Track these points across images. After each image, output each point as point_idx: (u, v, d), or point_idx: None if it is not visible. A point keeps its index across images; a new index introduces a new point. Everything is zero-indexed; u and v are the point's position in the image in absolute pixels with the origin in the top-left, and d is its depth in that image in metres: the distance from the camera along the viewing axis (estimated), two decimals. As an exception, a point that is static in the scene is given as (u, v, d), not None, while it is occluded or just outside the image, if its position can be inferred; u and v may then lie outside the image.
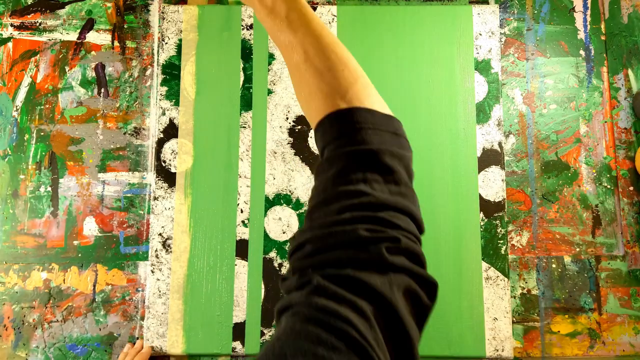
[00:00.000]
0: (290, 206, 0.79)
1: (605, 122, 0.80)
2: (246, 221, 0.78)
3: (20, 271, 0.78)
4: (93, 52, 0.84)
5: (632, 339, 0.75)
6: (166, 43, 0.83)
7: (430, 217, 0.77)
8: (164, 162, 0.80)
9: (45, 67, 0.83)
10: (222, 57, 0.82)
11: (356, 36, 0.82)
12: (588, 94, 0.81)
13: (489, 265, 0.76)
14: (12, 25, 0.85)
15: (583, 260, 0.77)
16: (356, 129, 0.32)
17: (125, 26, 0.84)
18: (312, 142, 0.80)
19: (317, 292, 0.27)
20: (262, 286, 0.77)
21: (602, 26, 0.83)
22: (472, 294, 0.75)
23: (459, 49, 0.81)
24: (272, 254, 0.78)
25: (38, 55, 0.83)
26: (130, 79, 0.83)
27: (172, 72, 0.82)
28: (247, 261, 0.77)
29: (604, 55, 0.82)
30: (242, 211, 0.79)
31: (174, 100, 0.81)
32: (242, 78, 0.82)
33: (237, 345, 0.75)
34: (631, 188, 0.78)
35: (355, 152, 0.32)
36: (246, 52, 0.82)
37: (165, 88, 0.82)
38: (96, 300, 0.77)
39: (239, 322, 0.76)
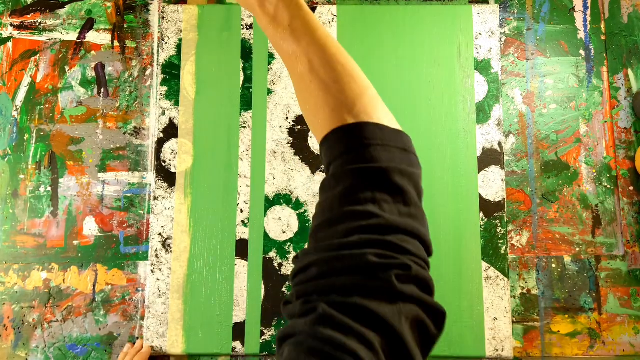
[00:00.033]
0: (290, 206, 0.79)
1: (605, 122, 0.80)
2: (246, 221, 0.78)
3: (20, 271, 0.78)
4: (93, 52, 0.84)
5: (632, 338, 0.75)
6: (166, 43, 0.83)
7: (430, 217, 0.76)
8: (164, 162, 0.80)
9: (45, 67, 0.83)
10: (222, 57, 0.82)
11: (356, 36, 0.82)
12: (588, 93, 0.81)
13: (489, 265, 0.76)
14: (12, 25, 0.85)
15: (583, 260, 0.77)
16: (364, 145, 0.31)
17: (125, 26, 0.84)
18: (312, 142, 0.80)
19: (322, 322, 0.25)
20: (262, 286, 0.77)
21: (602, 26, 0.83)
22: (472, 294, 0.75)
23: (459, 48, 0.81)
24: (272, 254, 0.78)
25: (38, 55, 0.83)
26: (130, 79, 0.83)
27: (172, 72, 0.82)
28: (247, 261, 0.77)
29: (604, 55, 0.82)
30: (242, 211, 0.79)
31: (173, 100, 0.81)
32: (242, 78, 0.82)
33: (237, 345, 0.75)
34: (631, 188, 0.78)
35: (363, 170, 0.30)
36: (246, 52, 0.82)
37: (165, 88, 0.82)
38: (96, 300, 0.77)
39: (238, 322, 0.76)
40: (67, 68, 0.83)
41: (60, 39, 0.84)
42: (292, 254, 0.77)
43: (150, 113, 0.82)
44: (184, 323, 0.76)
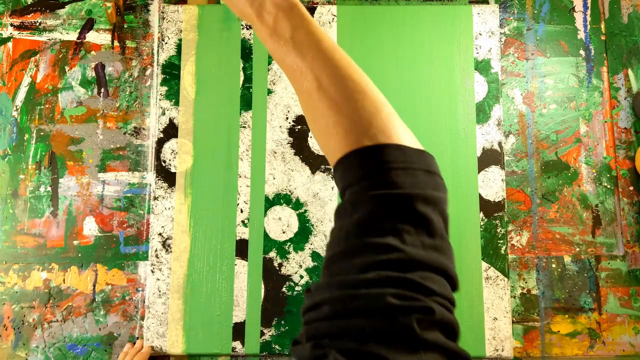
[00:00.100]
0: (290, 206, 0.79)
1: (605, 122, 0.80)
2: (246, 221, 0.78)
3: (20, 271, 0.78)
4: (93, 52, 0.84)
5: (632, 338, 0.75)
6: (166, 43, 0.83)
7: (430, 217, 0.77)
8: (164, 162, 0.80)
9: (45, 67, 0.83)
10: (222, 57, 0.82)
11: (356, 36, 0.82)
12: (588, 93, 0.81)
13: (489, 265, 0.76)
14: (12, 25, 0.85)
15: (583, 260, 0.77)
16: (385, 169, 0.28)
17: (125, 26, 0.84)
18: (312, 142, 0.80)
19: None
20: (262, 286, 0.77)
21: (602, 26, 0.83)
22: (472, 294, 0.75)
23: (459, 48, 0.81)
24: (272, 254, 0.78)
25: (38, 55, 0.83)
26: (130, 79, 0.83)
27: (172, 72, 0.82)
28: (247, 261, 0.77)
29: (604, 55, 0.82)
30: (242, 211, 0.79)
31: (173, 100, 0.81)
32: (242, 78, 0.82)
33: (237, 345, 0.75)
34: (631, 188, 0.78)
35: (384, 197, 0.27)
36: (246, 52, 0.82)
37: (165, 88, 0.82)
38: (96, 300, 0.77)
39: (238, 321, 0.76)
40: (67, 68, 0.83)
41: (60, 39, 0.84)
42: (292, 254, 0.77)
43: (150, 113, 0.82)
44: (184, 323, 0.76)
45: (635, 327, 0.75)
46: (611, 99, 0.81)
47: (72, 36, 0.84)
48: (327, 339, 0.24)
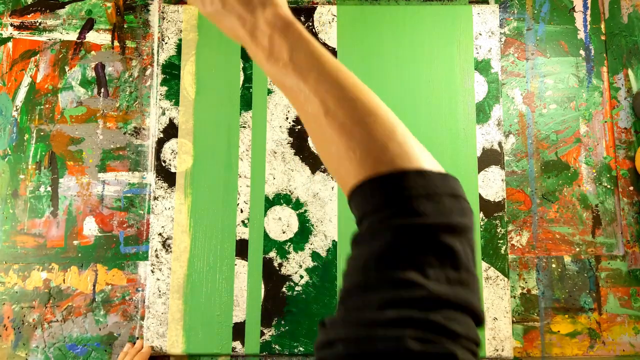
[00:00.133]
0: (290, 206, 0.79)
1: (605, 122, 0.80)
2: (246, 221, 0.78)
3: (20, 271, 0.78)
4: (93, 52, 0.84)
5: (632, 338, 0.75)
6: (166, 43, 0.83)
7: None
8: (164, 162, 0.80)
9: (45, 67, 0.83)
10: (222, 57, 0.82)
11: (356, 36, 0.82)
12: (588, 93, 0.81)
13: (489, 265, 0.76)
14: (12, 25, 0.85)
15: (583, 260, 0.77)
16: (405, 197, 0.26)
17: (125, 26, 0.84)
18: (312, 142, 0.80)
19: None
20: (262, 286, 0.77)
21: (602, 26, 0.83)
22: (472, 294, 0.75)
23: (459, 48, 0.81)
24: (272, 254, 0.78)
25: (38, 55, 0.83)
26: (130, 79, 0.83)
27: (172, 72, 0.82)
28: (247, 261, 0.77)
29: (604, 55, 0.82)
30: (242, 211, 0.79)
31: (173, 100, 0.81)
32: (242, 78, 0.82)
33: (237, 345, 0.75)
34: (631, 188, 0.78)
35: (406, 227, 0.25)
36: (246, 52, 0.82)
37: (165, 88, 0.82)
38: (96, 300, 0.77)
39: (238, 321, 0.76)
40: (67, 68, 0.83)
41: (60, 39, 0.84)
42: (292, 254, 0.77)
43: (150, 113, 0.82)
44: (184, 323, 0.76)
45: (635, 327, 0.75)
46: (611, 99, 0.81)
47: (72, 36, 0.84)
48: None
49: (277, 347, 0.75)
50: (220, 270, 0.77)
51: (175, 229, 0.78)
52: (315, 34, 0.82)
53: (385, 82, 0.80)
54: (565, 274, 0.77)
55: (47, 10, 0.85)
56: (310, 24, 0.83)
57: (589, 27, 0.83)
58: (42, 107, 0.82)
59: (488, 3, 0.84)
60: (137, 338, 0.76)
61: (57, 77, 0.83)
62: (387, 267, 0.25)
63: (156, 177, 0.80)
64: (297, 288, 0.77)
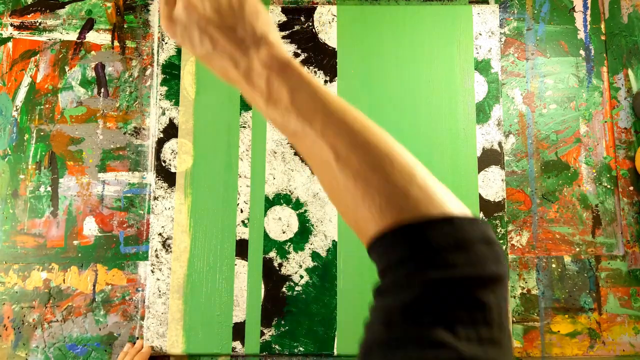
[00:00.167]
0: (290, 206, 0.79)
1: (605, 122, 0.80)
2: (246, 221, 0.78)
3: (20, 271, 0.78)
4: (93, 52, 0.84)
5: (632, 338, 0.75)
6: (166, 43, 0.83)
7: (430, 217, 0.77)
8: (164, 162, 0.80)
9: (45, 67, 0.83)
10: (222, 57, 0.82)
11: (356, 36, 0.82)
12: (588, 93, 0.81)
13: (489, 265, 0.76)
14: (12, 25, 0.85)
15: (583, 260, 0.77)
16: (433, 248, 0.24)
17: (125, 26, 0.84)
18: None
19: None
20: (262, 286, 0.77)
21: (602, 26, 0.83)
22: (472, 294, 0.75)
23: (459, 48, 0.81)
24: (272, 254, 0.78)
25: (38, 55, 0.83)
26: (130, 79, 0.83)
27: (172, 72, 0.82)
28: (247, 261, 0.77)
29: (604, 55, 0.82)
30: (242, 211, 0.79)
31: (173, 100, 0.81)
32: (242, 78, 0.82)
33: (237, 345, 0.75)
34: (631, 188, 0.78)
35: (435, 282, 0.23)
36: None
37: (165, 88, 0.82)
38: (96, 300, 0.77)
39: (238, 321, 0.76)
40: (67, 68, 0.83)
41: (60, 39, 0.84)
42: (292, 254, 0.77)
43: (150, 113, 0.82)
44: (184, 323, 0.76)
45: (635, 327, 0.75)
46: (611, 99, 0.81)
47: (72, 36, 0.84)
48: None
49: (277, 347, 0.75)
50: (220, 270, 0.77)
51: (175, 229, 0.78)
52: (315, 34, 0.82)
53: (385, 82, 0.80)
54: (565, 274, 0.77)
55: (47, 10, 0.85)
56: (310, 24, 0.83)
57: (589, 27, 0.83)
58: (42, 107, 0.82)
59: (488, 3, 0.84)
60: (137, 338, 0.76)
61: (57, 77, 0.83)
62: (413, 323, 0.23)
63: (156, 177, 0.80)
64: (297, 288, 0.77)
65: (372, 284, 0.26)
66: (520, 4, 0.84)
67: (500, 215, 0.78)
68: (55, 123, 0.82)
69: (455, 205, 0.26)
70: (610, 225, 0.78)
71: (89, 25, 0.84)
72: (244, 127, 0.81)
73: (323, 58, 0.82)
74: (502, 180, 0.78)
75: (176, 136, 0.80)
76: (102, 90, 0.83)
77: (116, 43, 0.84)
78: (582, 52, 0.82)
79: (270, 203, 0.79)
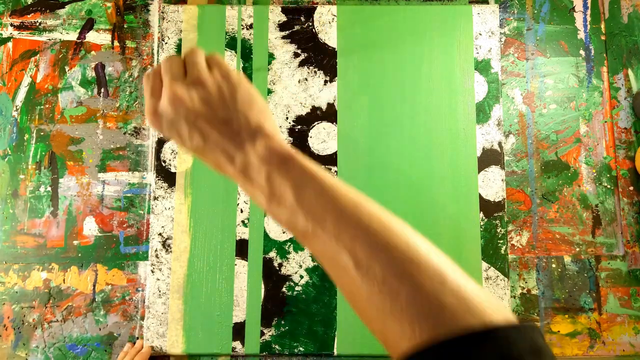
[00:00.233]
0: (290, 206, 0.79)
1: (605, 122, 0.80)
2: (246, 221, 0.78)
3: (20, 271, 0.78)
4: (93, 52, 0.84)
5: (632, 338, 0.75)
6: (166, 43, 0.83)
7: (430, 217, 0.77)
8: (164, 162, 0.80)
9: (45, 67, 0.83)
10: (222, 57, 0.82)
11: (356, 36, 0.82)
12: (588, 93, 0.81)
13: (489, 265, 0.76)
14: (12, 25, 0.85)
15: (583, 260, 0.77)
16: None
17: (125, 26, 0.84)
18: (312, 142, 0.80)
19: None
20: (262, 286, 0.77)
21: (602, 26, 0.83)
22: (472, 294, 0.75)
23: (459, 48, 0.81)
24: (272, 254, 0.78)
25: (38, 55, 0.83)
26: (130, 79, 0.83)
27: (172, 72, 0.82)
28: (247, 261, 0.77)
29: (604, 55, 0.82)
30: (242, 211, 0.79)
31: (174, 100, 0.81)
32: (242, 78, 0.82)
33: (237, 345, 0.75)
34: (631, 188, 0.78)
35: None
36: (246, 52, 0.82)
37: (165, 88, 0.82)
38: (96, 300, 0.77)
39: (238, 321, 0.76)
40: (67, 68, 0.83)
41: (60, 39, 0.84)
42: (292, 254, 0.77)
43: (150, 113, 0.82)
44: (184, 323, 0.76)
45: (635, 327, 0.75)
46: (611, 99, 0.81)
47: (72, 36, 0.84)
48: None
49: (277, 347, 0.75)
50: (220, 270, 0.77)
51: (175, 229, 0.78)
52: (315, 34, 0.82)
53: (385, 82, 0.80)
54: (565, 274, 0.77)
55: (47, 10, 0.85)
56: (310, 24, 0.83)
57: (589, 27, 0.83)
58: (42, 107, 0.82)
59: (488, 3, 0.84)
60: (137, 338, 0.76)
61: (57, 77, 0.83)
62: None
63: (156, 177, 0.80)
64: (297, 288, 0.77)
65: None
66: (520, 4, 0.84)
67: (500, 215, 0.78)
68: (55, 123, 0.82)
69: (495, 309, 0.23)
70: (610, 225, 0.78)
71: (89, 25, 0.84)
72: (244, 127, 0.81)
73: (323, 58, 0.82)
74: (502, 180, 0.78)
75: (176, 136, 0.80)
76: (102, 90, 0.83)
77: (116, 43, 0.84)
78: (582, 52, 0.82)
79: (270, 203, 0.79)
